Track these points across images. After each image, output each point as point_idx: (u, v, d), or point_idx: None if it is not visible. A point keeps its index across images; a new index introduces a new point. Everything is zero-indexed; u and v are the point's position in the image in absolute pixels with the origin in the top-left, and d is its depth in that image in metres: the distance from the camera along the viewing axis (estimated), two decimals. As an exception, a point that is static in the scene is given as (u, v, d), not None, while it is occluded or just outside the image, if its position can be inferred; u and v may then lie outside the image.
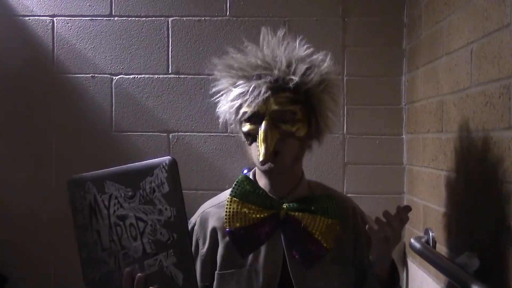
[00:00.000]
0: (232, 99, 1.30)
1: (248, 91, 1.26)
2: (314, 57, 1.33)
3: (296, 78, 1.25)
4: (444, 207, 1.70)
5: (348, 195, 2.25)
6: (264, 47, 1.32)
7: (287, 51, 1.31)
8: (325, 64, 1.32)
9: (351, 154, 2.33)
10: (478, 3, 1.45)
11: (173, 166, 1.06)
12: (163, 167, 1.06)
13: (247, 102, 1.27)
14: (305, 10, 2.32)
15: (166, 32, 2.36)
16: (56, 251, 2.34)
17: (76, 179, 1.22)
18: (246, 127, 1.31)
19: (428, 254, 1.60)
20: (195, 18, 2.35)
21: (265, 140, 1.24)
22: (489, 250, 1.34)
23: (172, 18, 2.36)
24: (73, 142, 2.35)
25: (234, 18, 2.34)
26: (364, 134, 2.33)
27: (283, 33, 1.35)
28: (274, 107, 1.26)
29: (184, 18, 2.36)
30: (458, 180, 1.59)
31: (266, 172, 1.33)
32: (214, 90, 1.37)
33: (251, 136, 1.31)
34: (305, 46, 1.35)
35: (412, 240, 1.75)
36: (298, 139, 1.30)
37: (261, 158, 1.26)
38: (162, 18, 2.36)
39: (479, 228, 1.42)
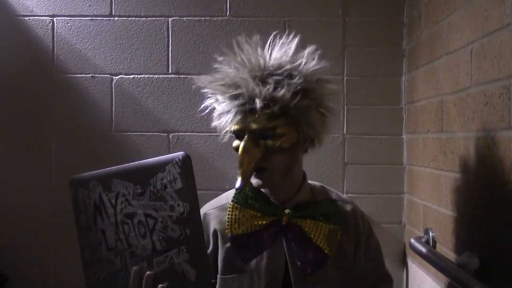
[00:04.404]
0: (216, 117, 1.30)
1: (226, 111, 1.26)
2: (288, 66, 1.25)
3: (259, 101, 1.21)
4: (444, 207, 1.70)
5: (348, 195, 2.25)
6: (235, 61, 1.28)
7: (256, 65, 1.25)
8: (305, 69, 1.26)
9: (351, 154, 2.33)
10: (478, 3, 1.45)
11: (186, 162, 1.04)
12: (176, 162, 1.05)
13: (227, 122, 1.26)
14: (305, 10, 2.32)
15: (166, 32, 2.36)
16: (56, 251, 2.34)
17: (79, 178, 1.20)
18: (235, 142, 1.30)
19: (428, 254, 1.60)
20: (195, 18, 2.35)
21: (241, 165, 1.23)
22: (489, 250, 1.34)
23: (172, 18, 2.36)
24: (73, 142, 2.35)
25: (234, 18, 2.34)
26: (364, 134, 2.33)
27: (258, 38, 1.30)
28: (252, 126, 1.23)
29: (184, 18, 2.36)
30: (458, 180, 1.59)
31: (256, 188, 1.31)
32: (203, 105, 1.35)
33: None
34: (281, 52, 1.29)
35: (412, 240, 1.75)
36: (285, 151, 1.26)
37: (236, 185, 1.24)
38: (162, 18, 2.36)
39: (479, 228, 1.42)
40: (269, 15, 2.33)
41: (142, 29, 2.36)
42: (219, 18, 2.35)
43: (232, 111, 1.24)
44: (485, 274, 1.32)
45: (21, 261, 2.34)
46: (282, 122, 1.24)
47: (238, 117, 1.23)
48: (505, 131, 1.26)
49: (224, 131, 1.29)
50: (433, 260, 1.55)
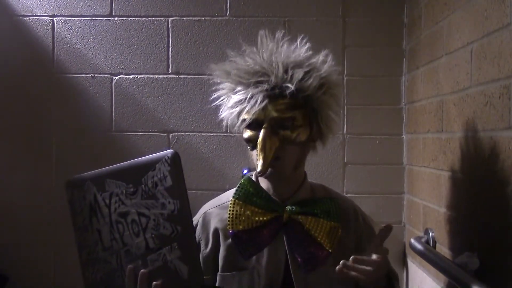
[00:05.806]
0: (231, 106, 1.30)
1: (246, 98, 1.26)
2: (313, 60, 1.31)
3: (292, 87, 1.24)
4: (444, 207, 1.70)
5: (348, 195, 2.25)
6: (261, 51, 1.31)
7: (284, 55, 1.29)
8: (326, 66, 1.30)
9: (351, 154, 2.33)
10: (478, 3, 1.45)
11: (175, 159, 1.06)
12: (166, 160, 1.06)
13: (246, 110, 1.26)
14: (305, 10, 2.32)
15: (166, 32, 2.36)
16: (56, 251, 2.34)
17: (74, 180, 1.21)
18: (247, 133, 1.30)
19: (428, 254, 1.60)
20: (195, 18, 2.35)
21: (263, 149, 1.24)
22: (489, 250, 1.34)
23: (172, 18, 2.36)
24: (73, 142, 2.35)
25: (234, 18, 2.34)
26: (364, 134, 2.33)
27: (282, 34, 1.33)
28: (273, 114, 1.25)
29: (184, 18, 2.36)
30: (458, 180, 1.59)
31: (265, 177, 1.33)
32: (214, 95, 1.36)
33: (252, 143, 1.30)
34: (305, 48, 1.33)
35: (412, 240, 1.74)
36: (298, 144, 1.29)
37: (258, 169, 1.26)
38: (162, 18, 2.36)
39: (479, 228, 1.42)
40: (269, 15, 2.33)
41: (142, 29, 2.36)
42: (219, 18, 2.35)
43: (256, 96, 1.25)
44: (485, 274, 1.31)
45: (21, 261, 2.34)
46: (300, 113, 1.28)
47: (264, 102, 1.24)
48: (505, 131, 1.26)
49: (242, 119, 1.29)
50: (433, 260, 1.54)
